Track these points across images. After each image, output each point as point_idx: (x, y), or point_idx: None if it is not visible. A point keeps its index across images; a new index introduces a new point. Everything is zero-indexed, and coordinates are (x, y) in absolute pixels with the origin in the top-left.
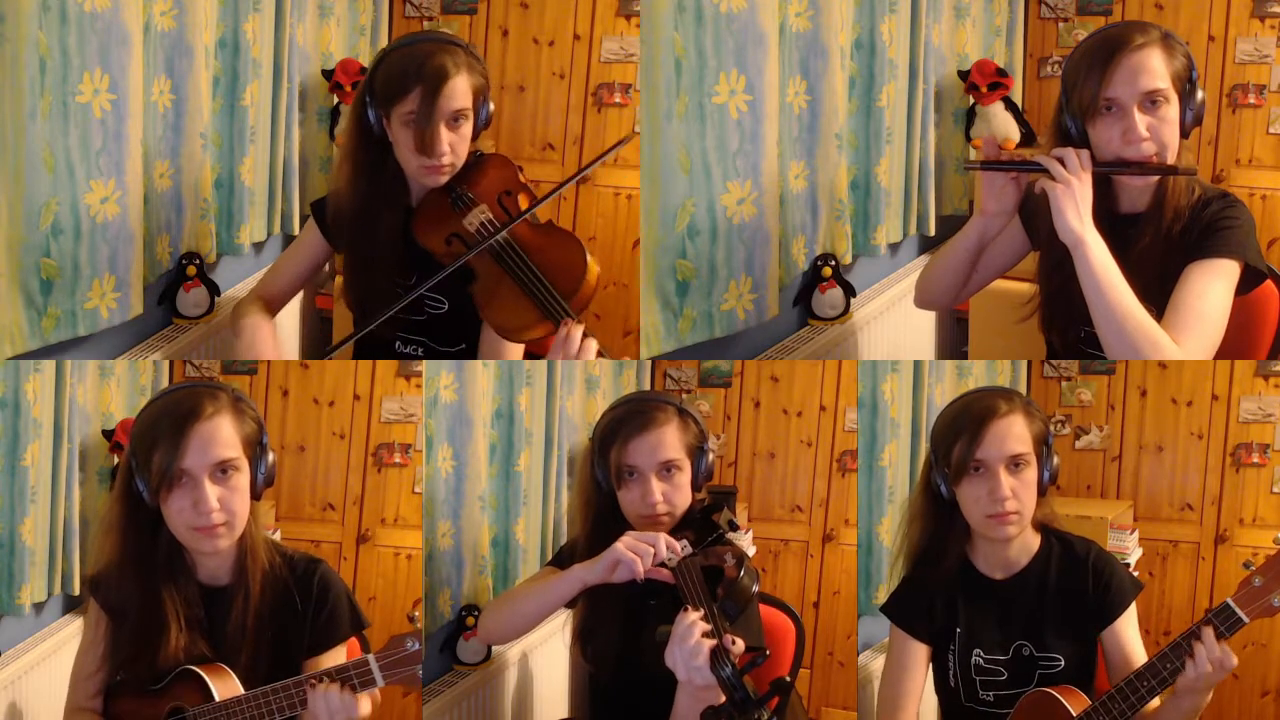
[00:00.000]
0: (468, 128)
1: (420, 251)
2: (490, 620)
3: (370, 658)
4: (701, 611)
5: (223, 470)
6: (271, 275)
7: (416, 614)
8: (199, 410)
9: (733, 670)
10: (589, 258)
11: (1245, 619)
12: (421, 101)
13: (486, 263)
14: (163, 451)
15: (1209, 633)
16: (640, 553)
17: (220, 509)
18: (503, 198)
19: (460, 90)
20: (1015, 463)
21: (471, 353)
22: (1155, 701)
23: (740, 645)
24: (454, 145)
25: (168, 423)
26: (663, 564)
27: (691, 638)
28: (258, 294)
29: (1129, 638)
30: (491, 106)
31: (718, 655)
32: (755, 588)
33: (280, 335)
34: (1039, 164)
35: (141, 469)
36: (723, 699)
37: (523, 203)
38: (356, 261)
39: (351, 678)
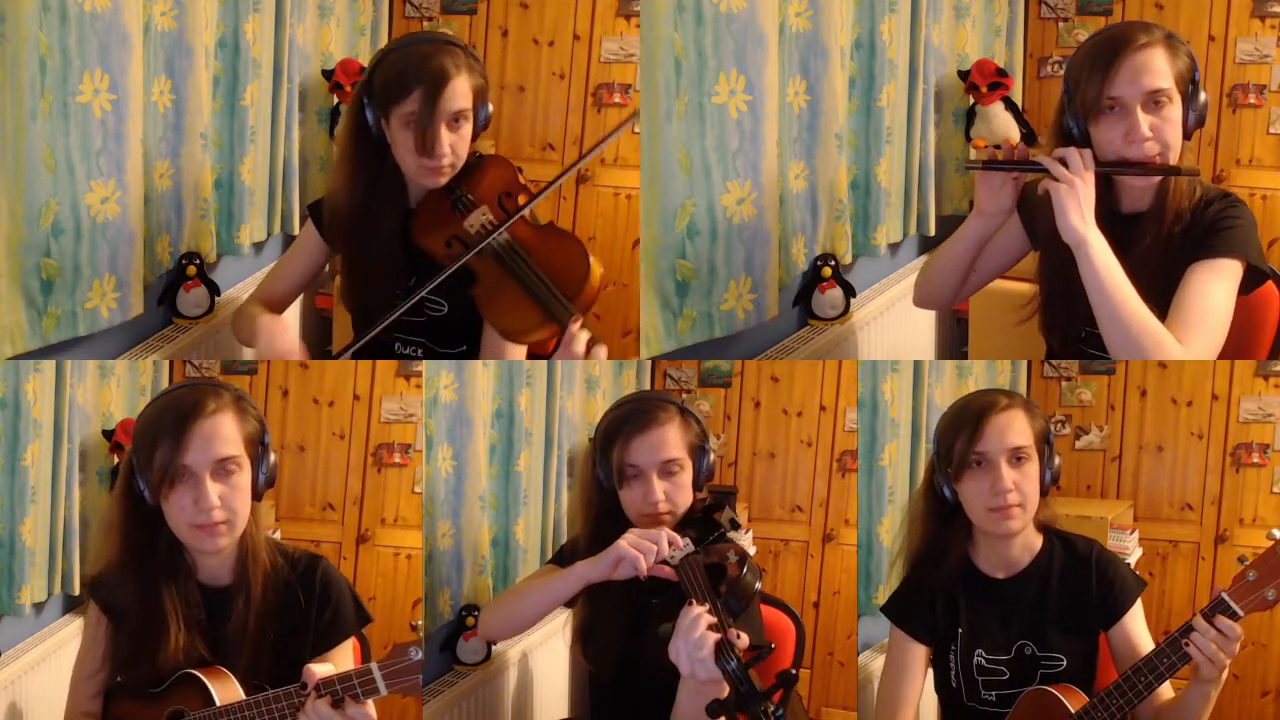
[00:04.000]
0: (468, 129)
1: (419, 254)
2: (491, 617)
3: (374, 665)
4: (706, 606)
5: (224, 468)
6: (271, 279)
7: (420, 623)
8: (202, 407)
9: (738, 664)
10: (592, 258)
11: (1240, 612)
12: (422, 102)
13: (488, 264)
14: (165, 448)
15: (1201, 620)
16: (643, 550)
17: (221, 506)
18: (503, 199)
19: (461, 91)
20: (1017, 456)
21: (471, 354)
22: (1169, 691)
23: (745, 639)
24: (454, 146)
25: (170, 419)
26: (665, 562)
27: (697, 630)
28: (258, 298)
29: (1139, 635)
30: (490, 108)
31: (723, 649)
32: (758, 585)
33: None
34: (1040, 164)
35: (143, 466)
36: (726, 693)
37: (523, 203)
38: (354, 263)
39: (354, 686)
